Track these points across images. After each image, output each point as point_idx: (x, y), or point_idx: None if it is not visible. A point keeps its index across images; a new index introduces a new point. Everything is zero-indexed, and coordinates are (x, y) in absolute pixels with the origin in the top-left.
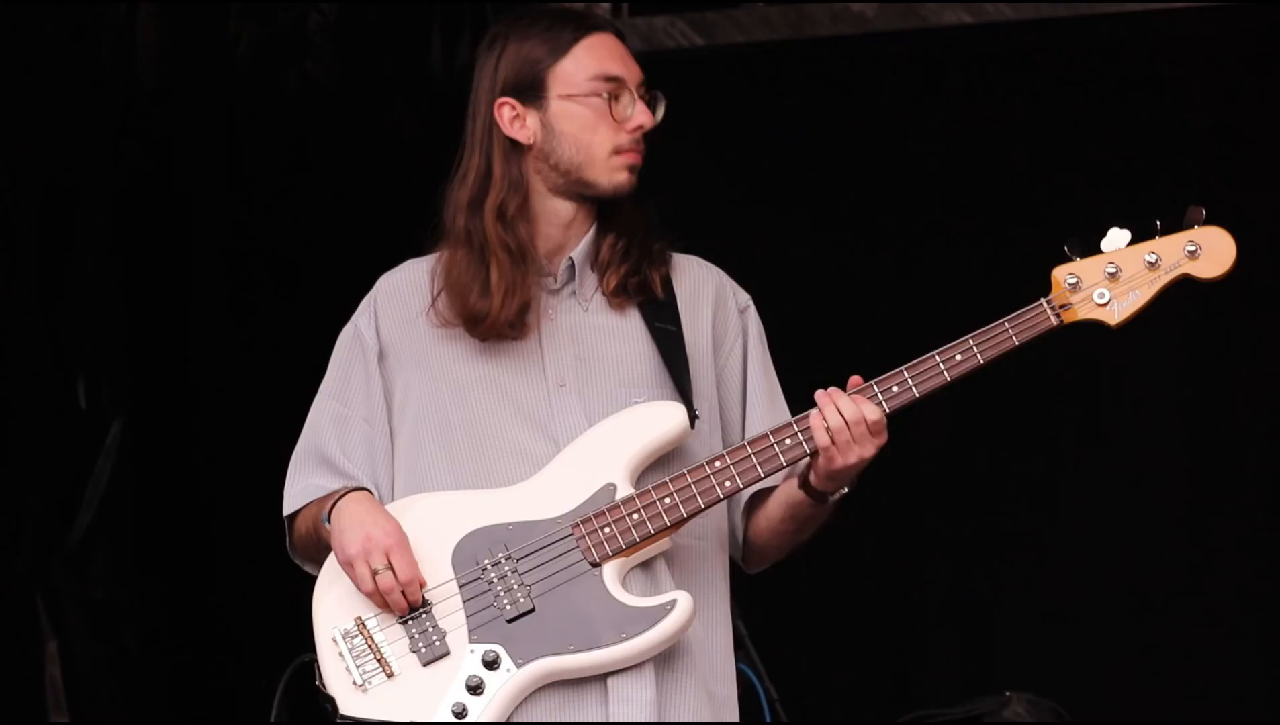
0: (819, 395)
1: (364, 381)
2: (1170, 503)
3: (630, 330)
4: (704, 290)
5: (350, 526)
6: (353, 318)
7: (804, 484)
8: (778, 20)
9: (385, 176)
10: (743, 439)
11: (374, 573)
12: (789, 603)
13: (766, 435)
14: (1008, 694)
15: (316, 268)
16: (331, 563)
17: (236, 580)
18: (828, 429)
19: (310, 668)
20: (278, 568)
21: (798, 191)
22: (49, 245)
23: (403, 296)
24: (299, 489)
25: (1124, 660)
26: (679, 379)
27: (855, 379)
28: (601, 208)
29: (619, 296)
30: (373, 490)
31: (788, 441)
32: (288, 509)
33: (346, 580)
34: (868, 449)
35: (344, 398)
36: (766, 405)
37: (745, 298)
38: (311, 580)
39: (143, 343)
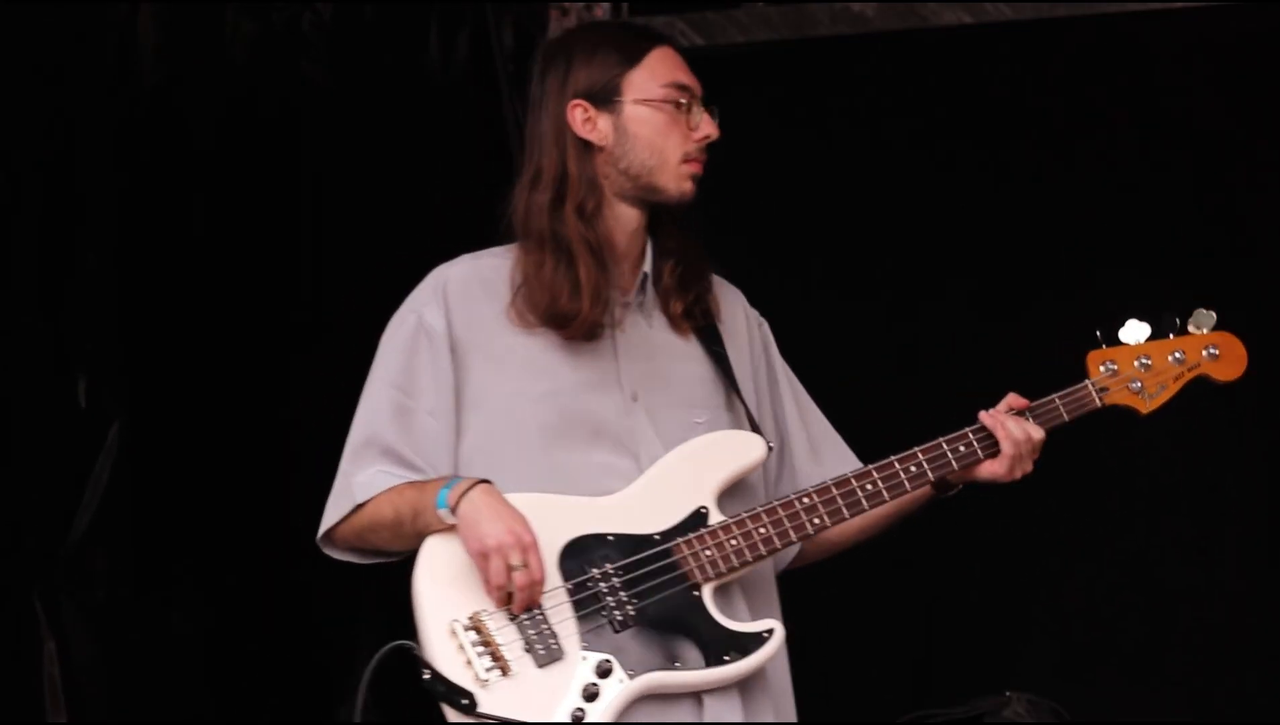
0: (985, 417)
1: (431, 373)
2: (1171, 502)
3: (691, 351)
4: (736, 311)
5: (490, 518)
6: (412, 307)
7: (938, 483)
8: (778, 20)
9: (384, 177)
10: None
11: (510, 568)
12: (790, 603)
13: (849, 477)
14: (1008, 694)
15: (315, 267)
16: (440, 552)
17: (237, 582)
18: (1013, 441)
19: (402, 655)
20: (279, 569)
21: (798, 192)
22: (50, 244)
23: (471, 292)
24: (369, 475)
25: (1124, 660)
26: (741, 403)
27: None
28: (651, 222)
29: (686, 321)
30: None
31: (869, 487)
32: (360, 497)
33: (456, 572)
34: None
35: (408, 389)
36: (797, 416)
37: (757, 313)
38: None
39: (143, 343)
